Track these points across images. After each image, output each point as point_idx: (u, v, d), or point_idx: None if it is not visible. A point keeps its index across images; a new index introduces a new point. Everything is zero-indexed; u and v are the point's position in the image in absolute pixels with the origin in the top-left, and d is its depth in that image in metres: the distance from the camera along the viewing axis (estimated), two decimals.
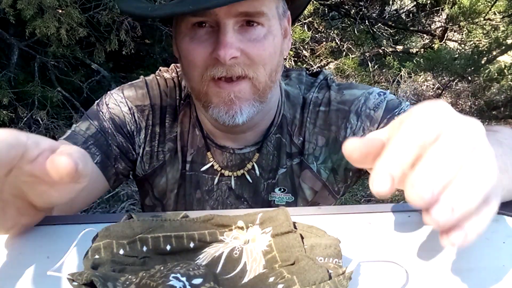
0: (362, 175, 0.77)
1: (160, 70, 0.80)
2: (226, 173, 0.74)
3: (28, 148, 0.36)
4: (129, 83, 0.77)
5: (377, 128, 0.69)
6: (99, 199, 2.32)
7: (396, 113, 0.69)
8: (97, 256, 0.34)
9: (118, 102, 0.73)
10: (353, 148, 0.32)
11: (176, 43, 0.66)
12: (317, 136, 0.73)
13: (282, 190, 0.74)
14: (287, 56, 0.77)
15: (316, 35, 4.18)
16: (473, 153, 0.29)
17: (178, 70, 0.79)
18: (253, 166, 0.73)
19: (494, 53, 3.48)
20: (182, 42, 0.63)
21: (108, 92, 0.76)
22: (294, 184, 0.74)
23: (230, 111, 0.61)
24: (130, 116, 0.73)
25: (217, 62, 0.59)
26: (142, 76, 0.78)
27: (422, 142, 0.28)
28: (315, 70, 3.91)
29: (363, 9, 4.19)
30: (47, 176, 0.35)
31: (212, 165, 0.74)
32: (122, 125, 0.72)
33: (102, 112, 0.72)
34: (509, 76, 3.55)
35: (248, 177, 0.74)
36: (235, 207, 0.75)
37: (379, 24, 4.33)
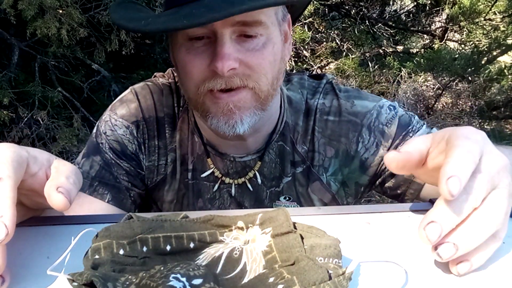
0: (374, 188, 0.76)
1: (155, 76, 0.77)
2: (227, 180, 0.72)
3: (29, 163, 0.37)
4: (119, 99, 0.74)
5: (391, 144, 0.69)
6: None
7: (410, 130, 0.69)
8: (97, 256, 0.34)
9: (113, 126, 0.71)
10: (392, 160, 0.38)
11: (173, 52, 0.64)
12: (325, 146, 0.71)
13: (288, 198, 0.73)
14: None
15: (317, 35, 4.18)
16: (491, 195, 0.34)
17: (175, 75, 0.75)
18: (254, 174, 0.72)
19: (494, 53, 3.48)
20: (179, 52, 0.61)
21: (102, 118, 0.73)
22: (299, 193, 0.73)
23: (230, 121, 0.59)
24: (129, 135, 0.70)
25: (215, 74, 0.57)
26: (130, 87, 0.74)
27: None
28: (315, 70, 3.91)
29: (363, 9, 4.19)
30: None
31: (213, 172, 0.72)
32: (123, 150, 0.70)
33: (102, 144, 0.70)
34: (509, 76, 3.55)
35: (249, 185, 0.72)
36: None
37: (379, 24, 4.33)
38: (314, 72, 3.97)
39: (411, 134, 0.69)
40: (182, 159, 0.72)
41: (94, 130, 0.73)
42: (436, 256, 0.33)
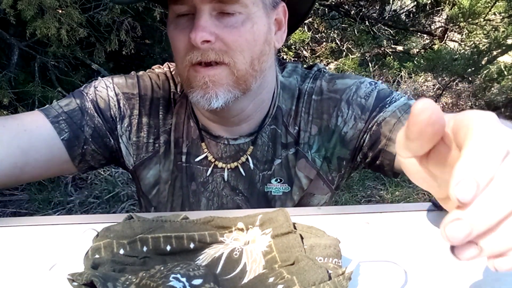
0: (357, 167, 0.78)
1: (152, 69, 0.81)
2: (220, 164, 0.74)
3: None
4: (121, 74, 0.78)
5: (368, 116, 0.70)
6: (99, 199, 2.32)
7: (388, 102, 0.70)
8: (97, 256, 0.34)
9: (106, 86, 0.74)
10: (424, 108, 0.27)
11: (167, 32, 0.68)
12: (311, 124, 0.74)
13: (279, 180, 0.75)
14: (280, 48, 0.80)
15: (316, 36, 4.18)
16: None
17: (171, 66, 0.80)
18: (247, 159, 0.74)
19: (494, 53, 3.47)
20: (169, 30, 0.65)
21: (99, 77, 0.76)
22: (290, 174, 0.75)
23: (206, 95, 0.62)
24: (115, 102, 0.73)
25: (194, 47, 0.60)
26: (133, 72, 0.79)
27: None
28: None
29: (363, 9, 4.19)
30: None
31: (206, 156, 0.74)
32: (105, 109, 0.73)
33: (87, 93, 0.73)
34: (509, 77, 3.55)
35: (241, 170, 0.74)
36: (230, 199, 0.75)
37: (379, 24, 4.32)
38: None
39: (387, 106, 0.70)
40: (176, 142, 0.75)
41: (85, 84, 0.76)
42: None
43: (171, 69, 0.79)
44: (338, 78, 0.75)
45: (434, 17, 4.40)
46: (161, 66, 0.81)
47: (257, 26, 0.63)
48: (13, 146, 0.63)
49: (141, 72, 0.79)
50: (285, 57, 3.73)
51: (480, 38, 3.76)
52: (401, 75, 3.90)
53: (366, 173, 2.73)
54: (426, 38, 4.59)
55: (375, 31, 4.29)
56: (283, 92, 0.75)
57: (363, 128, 0.71)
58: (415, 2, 4.34)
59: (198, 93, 0.63)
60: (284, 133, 0.74)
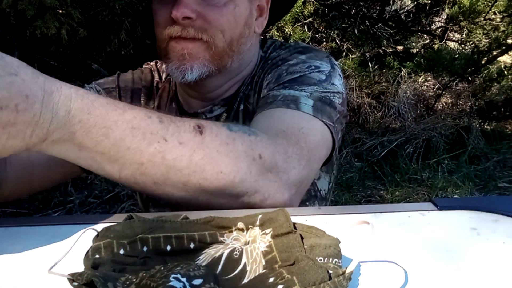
0: None
1: (140, 66, 0.86)
2: None
3: None
4: (105, 76, 0.84)
5: (271, 88, 0.69)
6: (99, 199, 2.32)
7: (295, 87, 0.65)
8: (97, 256, 0.34)
9: (89, 88, 0.78)
10: None
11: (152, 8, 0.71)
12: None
13: None
14: (260, 33, 0.82)
15: (316, 35, 4.18)
16: None
17: (157, 61, 0.85)
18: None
19: (494, 53, 3.47)
20: (152, 4, 0.68)
21: (85, 84, 0.81)
22: None
23: (181, 66, 0.65)
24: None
25: (175, 22, 0.63)
26: (118, 72, 0.84)
27: None
28: None
29: (363, 9, 4.19)
30: None
31: None
32: None
33: None
34: (509, 77, 3.55)
35: None
36: None
37: (379, 24, 4.32)
38: None
39: (287, 88, 0.72)
40: None
41: None
42: None
43: (157, 64, 0.84)
44: (296, 51, 0.73)
45: (434, 17, 4.40)
46: (149, 63, 0.86)
47: (239, 8, 0.66)
48: None
49: (125, 72, 0.84)
50: None
51: (480, 38, 3.76)
52: (401, 75, 3.90)
53: (366, 173, 2.73)
54: (426, 38, 4.58)
55: (375, 31, 4.28)
56: (262, 63, 0.77)
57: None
58: (415, 2, 4.34)
59: (173, 65, 0.66)
60: (254, 97, 0.75)
